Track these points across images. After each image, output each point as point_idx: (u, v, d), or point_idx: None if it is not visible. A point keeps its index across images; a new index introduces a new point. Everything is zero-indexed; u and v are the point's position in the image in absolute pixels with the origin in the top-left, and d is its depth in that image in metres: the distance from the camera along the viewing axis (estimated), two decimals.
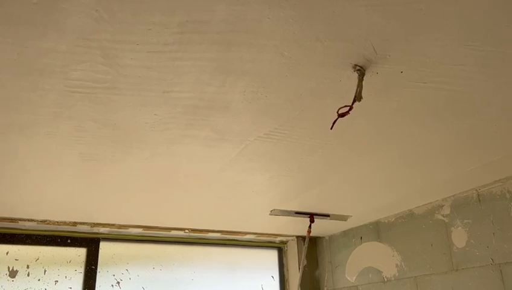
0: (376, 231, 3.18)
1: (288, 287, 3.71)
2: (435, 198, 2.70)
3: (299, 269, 3.62)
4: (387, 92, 1.47)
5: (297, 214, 3.05)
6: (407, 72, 1.36)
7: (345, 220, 3.19)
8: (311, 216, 3.05)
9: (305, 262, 3.67)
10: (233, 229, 3.42)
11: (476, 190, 2.49)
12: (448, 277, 2.57)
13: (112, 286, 3.12)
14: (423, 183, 2.42)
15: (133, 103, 1.48)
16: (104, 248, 3.18)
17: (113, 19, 1.11)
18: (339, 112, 1.34)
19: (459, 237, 2.54)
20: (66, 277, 3.02)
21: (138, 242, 3.30)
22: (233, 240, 3.64)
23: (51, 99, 1.44)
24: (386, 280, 3.02)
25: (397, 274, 2.93)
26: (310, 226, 3.10)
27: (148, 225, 3.13)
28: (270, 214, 2.97)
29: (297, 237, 3.72)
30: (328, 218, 3.14)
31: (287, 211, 2.96)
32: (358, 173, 2.23)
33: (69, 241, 3.10)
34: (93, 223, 3.01)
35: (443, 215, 2.67)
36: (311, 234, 3.65)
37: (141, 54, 1.23)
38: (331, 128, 1.40)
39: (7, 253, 2.93)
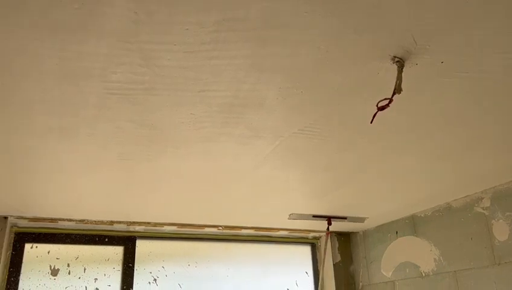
0: (412, 225, 3.12)
1: (323, 283, 3.69)
2: (473, 190, 2.63)
3: (333, 265, 3.60)
4: (427, 83, 1.43)
5: (315, 218, 3.13)
6: (447, 63, 1.32)
7: (362, 222, 3.24)
8: (329, 219, 3.13)
9: (339, 258, 3.65)
10: (266, 226, 3.42)
11: None
12: (490, 271, 2.50)
13: (149, 283, 3.18)
14: (461, 175, 2.35)
15: (170, 102, 1.50)
16: (140, 245, 3.24)
17: (151, 21, 1.12)
18: (379, 105, 1.32)
19: (501, 230, 2.47)
20: (104, 275, 3.09)
21: (173, 240, 3.35)
22: (266, 236, 3.65)
23: (90, 101, 1.47)
24: (424, 274, 2.96)
25: (435, 269, 2.87)
26: (328, 228, 3.20)
27: (183, 222, 3.17)
28: (288, 219, 3.02)
29: (331, 232, 3.69)
30: (346, 220, 3.21)
31: (305, 215, 3.04)
32: (394, 167, 2.19)
33: (106, 240, 3.17)
34: (130, 222, 3.07)
35: (483, 208, 2.60)
36: (344, 230, 3.63)
37: (178, 54, 1.24)
38: (371, 122, 1.38)
39: (48, 252, 3.03)
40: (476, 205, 2.64)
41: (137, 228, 3.18)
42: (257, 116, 1.62)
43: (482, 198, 2.61)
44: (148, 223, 3.11)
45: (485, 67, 1.34)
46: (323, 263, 3.41)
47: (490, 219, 2.54)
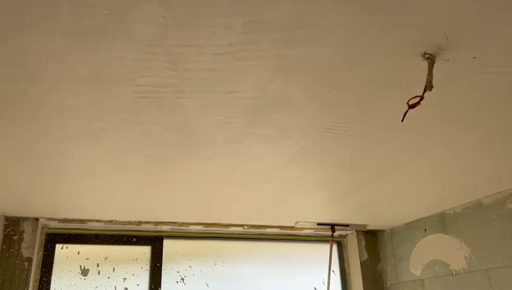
0: (441, 222, 3.06)
1: (350, 281, 3.66)
2: (505, 187, 2.56)
3: (360, 263, 3.57)
4: (459, 79, 1.40)
5: (320, 225, 3.33)
6: (480, 58, 1.29)
7: (364, 229, 3.35)
8: (332, 227, 3.36)
9: (366, 256, 3.61)
10: (292, 225, 3.41)
11: None
12: None
13: (177, 282, 3.21)
14: (493, 171, 2.30)
15: (197, 105, 1.50)
16: (168, 245, 3.28)
17: (179, 24, 1.12)
18: (409, 103, 1.29)
19: None
20: (133, 275, 3.14)
21: (199, 239, 3.37)
22: (292, 235, 3.63)
23: (119, 106, 1.49)
24: (454, 272, 2.90)
25: (466, 267, 2.81)
26: (332, 235, 3.43)
27: (209, 221, 3.18)
28: (295, 226, 3.12)
29: (357, 230, 3.66)
30: (348, 228, 3.41)
31: (310, 223, 3.26)
32: (423, 164, 2.15)
33: (134, 240, 3.21)
34: (157, 222, 3.10)
35: None
36: (371, 228, 3.59)
37: (206, 57, 1.25)
38: (402, 121, 1.35)
39: (78, 253, 3.09)
40: (508, 201, 2.57)
41: (164, 227, 3.21)
42: (284, 116, 1.61)
43: None
44: (175, 223, 3.14)
45: None
46: (330, 269, 3.43)
47: None
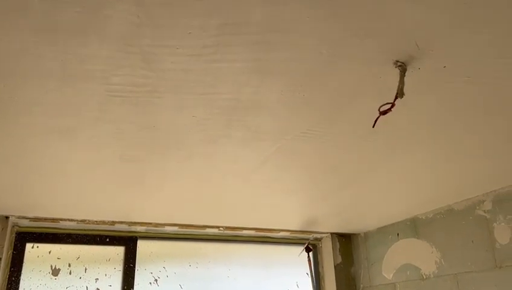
0: (413, 227, 3.11)
1: (324, 284, 3.69)
2: (475, 193, 2.62)
3: (334, 266, 3.60)
4: (429, 88, 1.43)
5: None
6: (450, 67, 1.32)
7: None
8: (308, 247, 3.63)
9: (340, 259, 3.64)
10: (267, 227, 3.42)
11: None
12: (491, 275, 2.49)
13: (150, 283, 3.18)
14: (463, 178, 2.35)
15: (172, 105, 1.50)
16: (142, 246, 3.24)
17: (154, 24, 1.12)
18: (381, 110, 1.31)
19: (502, 234, 2.46)
20: (105, 275, 3.09)
21: (174, 240, 3.35)
22: (268, 237, 3.64)
23: (92, 103, 1.47)
24: (425, 277, 2.96)
25: (437, 271, 2.86)
26: (308, 256, 3.66)
27: (184, 223, 3.17)
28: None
29: (332, 233, 3.69)
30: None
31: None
32: (396, 170, 2.18)
33: (107, 240, 3.17)
34: (131, 222, 3.07)
35: (484, 211, 2.59)
36: (345, 231, 3.63)
37: (181, 58, 1.24)
38: (373, 127, 1.37)
39: (50, 252, 3.03)
40: (478, 207, 2.64)
41: (139, 228, 3.18)
42: (259, 118, 1.62)
43: (484, 201, 2.60)
44: (150, 223, 3.11)
45: (486, 72, 1.34)
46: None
47: (491, 222, 2.53)
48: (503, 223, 2.46)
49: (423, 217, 3.04)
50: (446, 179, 2.37)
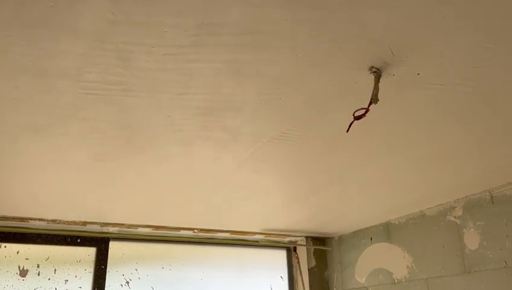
0: (386, 231, 3.16)
1: (297, 287, 3.70)
2: (446, 199, 2.68)
3: (308, 269, 3.62)
4: (404, 94, 1.45)
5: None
6: (424, 74, 1.34)
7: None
8: (294, 247, 3.63)
9: (314, 263, 3.66)
10: (242, 229, 3.41)
11: (489, 192, 2.46)
12: (460, 279, 2.54)
13: (121, 285, 3.13)
14: (436, 184, 2.39)
15: (147, 104, 1.48)
16: (114, 247, 3.19)
17: (129, 21, 1.10)
18: (355, 115, 1.32)
19: (472, 239, 2.52)
20: (76, 277, 3.02)
21: (147, 242, 3.31)
22: (242, 240, 3.63)
23: (65, 101, 1.44)
24: (396, 281, 3.00)
25: (408, 276, 2.91)
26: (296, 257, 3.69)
27: (158, 224, 3.13)
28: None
29: (306, 237, 3.71)
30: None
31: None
32: (370, 175, 2.21)
33: (78, 240, 3.11)
34: (103, 223, 3.01)
35: (455, 217, 2.65)
36: (320, 235, 3.65)
37: (156, 57, 1.23)
38: (347, 131, 1.38)
39: (18, 252, 2.95)
40: (449, 213, 2.69)
41: (111, 229, 3.12)
42: (236, 120, 1.61)
43: (455, 207, 2.66)
44: (122, 224, 3.06)
45: (459, 80, 1.37)
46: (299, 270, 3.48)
47: (462, 228, 2.59)
48: (472, 229, 2.52)
49: (396, 222, 3.09)
50: (419, 185, 2.41)
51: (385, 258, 3.13)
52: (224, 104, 1.50)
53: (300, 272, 3.63)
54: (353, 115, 1.34)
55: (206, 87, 1.39)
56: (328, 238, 3.76)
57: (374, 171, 2.17)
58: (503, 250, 2.34)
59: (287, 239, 3.78)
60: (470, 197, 2.57)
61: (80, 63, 1.25)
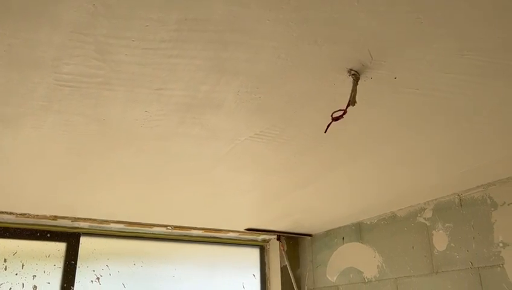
0: (358, 231, 3.21)
1: (270, 285, 3.72)
2: (417, 201, 2.74)
3: (280, 268, 3.64)
4: (380, 98, 1.48)
5: (267, 233, 3.51)
6: (400, 79, 1.37)
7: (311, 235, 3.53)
8: (278, 235, 3.59)
9: (286, 262, 3.69)
10: (216, 227, 3.41)
11: (458, 195, 2.53)
12: (428, 279, 2.61)
13: (92, 281, 3.08)
14: (407, 186, 2.45)
15: (125, 99, 1.46)
16: (85, 243, 3.13)
17: (110, 14, 1.08)
18: (333, 116, 1.34)
19: (440, 240, 2.59)
20: (44, 272, 2.96)
21: (119, 238, 3.27)
22: (216, 237, 3.63)
23: (39, 92, 1.40)
24: (366, 280, 3.05)
25: (378, 275, 2.97)
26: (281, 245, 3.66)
27: (131, 220, 3.09)
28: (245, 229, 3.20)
29: (280, 236, 3.73)
30: (293, 235, 3.62)
31: (258, 229, 3.40)
32: (345, 175, 2.24)
33: (48, 235, 3.04)
34: (74, 218, 2.96)
35: (425, 219, 2.71)
36: (293, 234, 3.68)
37: (136, 50, 1.21)
38: (325, 132, 1.40)
39: None
40: (419, 215, 2.76)
41: (82, 224, 3.07)
42: (215, 117, 1.61)
43: (425, 209, 2.72)
44: (94, 219, 3.01)
45: (434, 85, 1.41)
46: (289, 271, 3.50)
47: (431, 229, 2.66)
48: (441, 231, 2.59)
49: (368, 223, 3.14)
50: (391, 187, 2.46)
51: (356, 258, 3.18)
52: (203, 101, 1.49)
53: (286, 257, 3.61)
54: (331, 116, 1.36)
55: (186, 83, 1.39)
56: (301, 237, 3.79)
57: (348, 172, 2.21)
58: (469, 251, 2.41)
59: (261, 237, 3.80)
60: (439, 199, 2.64)
61: (57, 54, 1.22)
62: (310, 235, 3.66)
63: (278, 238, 3.62)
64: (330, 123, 1.35)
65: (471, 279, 2.37)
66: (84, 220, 2.99)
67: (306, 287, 3.62)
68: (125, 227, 3.18)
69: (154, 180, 2.28)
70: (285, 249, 3.62)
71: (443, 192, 2.55)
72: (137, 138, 1.76)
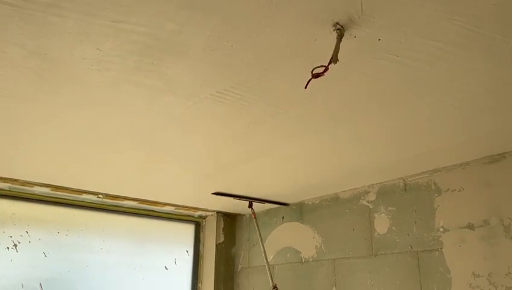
0: (299, 211, 3.18)
1: (203, 263, 3.60)
2: (361, 184, 2.75)
3: (215, 245, 3.53)
4: (358, 62, 1.40)
5: (238, 198, 3.08)
6: (384, 41, 1.30)
7: (287, 205, 3.28)
8: (250, 202, 3.13)
9: (222, 239, 3.59)
10: (152, 199, 3.22)
11: (403, 179, 2.56)
12: (367, 261, 2.63)
13: (8, 248, 2.77)
14: (354, 168, 2.43)
15: (75, 29, 1.25)
16: (3, 205, 2.80)
17: None
18: (314, 72, 1.24)
19: (382, 224, 2.61)
20: None
21: (43, 203, 2.97)
22: (150, 210, 3.43)
23: None
24: (303, 260, 3.03)
25: (316, 256, 2.95)
26: (251, 210, 3.17)
27: (57, 184, 2.81)
28: (212, 193, 2.94)
29: (218, 212, 3.62)
30: (268, 203, 3.21)
31: (228, 194, 2.99)
32: (296, 149, 2.17)
33: None
34: None
35: (368, 201, 2.73)
36: (230, 211, 3.58)
37: None
38: (305, 88, 1.29)
39: None
40: (362, 198, 2.77)
41: (1, 184, 2.74)
42: (175, 66, 1.44)
43: (369, 192, 2.74)
44: (16, 180, 2.69)
45: (415, 53, 1.35)
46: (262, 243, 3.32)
47: (373, 212, 2.68)
48: (383, 214, 2.62)
49: (310, 203, 3.12)
50: (338, 167, 2.43)
51: (295, 238, 3.15)
52: (167, 44, 1.32)
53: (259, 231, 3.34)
54: (311, 72, 1.25)
55: (150, 18, 1.21)
56: (239, 215, 3.71)
57: (300, 146, 2.13)
58: (410, 235, 2.45)
59: (197, 213, 3.66)
60: (384, 183, 2.66)
61: None
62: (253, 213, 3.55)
63: (250, 206, 3.19)
64: (310, 79, 1.24)
65: (410, 262, 2.42)
66: (4, 179, 2.67)
67: (240, 266, 3.54)
68: (51, 191, 2.88)
69: (91, 139, 2.05)
70: (255, 216, 3.24)
71: (389, 176, 2.57)
72: (81, 83, 1.54)
